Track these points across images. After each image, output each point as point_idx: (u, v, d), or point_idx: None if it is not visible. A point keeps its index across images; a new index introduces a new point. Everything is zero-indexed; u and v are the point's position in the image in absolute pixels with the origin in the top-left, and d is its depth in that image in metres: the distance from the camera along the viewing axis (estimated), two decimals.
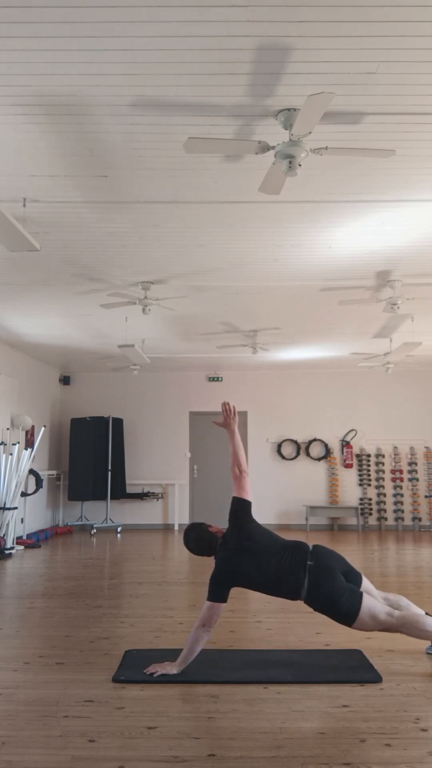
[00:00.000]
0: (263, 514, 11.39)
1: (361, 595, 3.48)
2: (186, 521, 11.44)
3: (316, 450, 11.54)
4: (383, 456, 11.45)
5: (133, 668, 3.56)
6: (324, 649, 3.98)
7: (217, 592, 3.50)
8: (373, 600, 3.52)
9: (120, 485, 10.86)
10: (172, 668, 3.47)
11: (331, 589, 3.46)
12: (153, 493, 11.34)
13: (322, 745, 2.63)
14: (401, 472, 11.37)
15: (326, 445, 11.49)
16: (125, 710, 3.01)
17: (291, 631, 4.41)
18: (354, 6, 2.47)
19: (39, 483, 9.39)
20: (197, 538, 3.70)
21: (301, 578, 3.48)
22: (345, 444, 11.45)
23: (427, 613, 3.67)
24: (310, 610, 4.94)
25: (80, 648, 4.01)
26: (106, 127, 3.36)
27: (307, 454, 11.49)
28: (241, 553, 3.55)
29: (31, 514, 10.07)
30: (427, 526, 11.18)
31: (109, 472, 10.63)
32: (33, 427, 10.23)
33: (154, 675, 3.42)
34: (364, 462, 11.41)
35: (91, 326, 8.06)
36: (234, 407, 3.92)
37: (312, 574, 3.49)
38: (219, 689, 3.29)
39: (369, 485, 11.41)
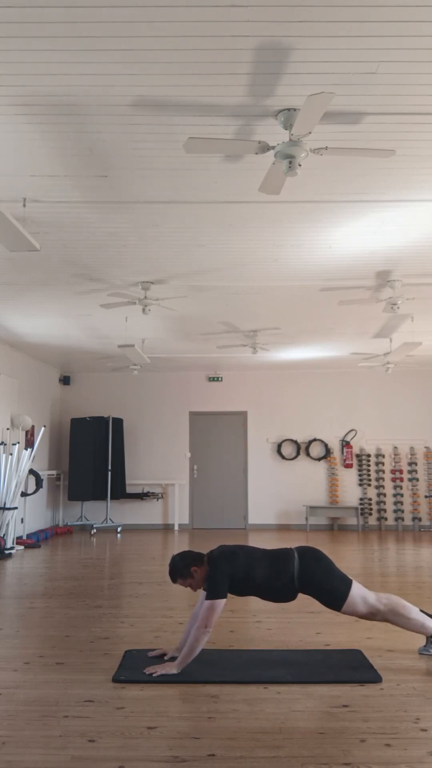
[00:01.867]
0: (263, 514, 11.39)
1: (351, 579, 3.66)
2: (186, 521, 11.45)
3: (316, 450, 11.54)
4: (383, 456, 11.45)
5: (133, 668, 3.56)
6: (324, 649, 3.97)
7: (217, 589, 3.51)
8: (361, 586, 3.69)
9: (120, 485, 10.86)
10: (171, 668, 3.47)
11: (322, 566, 3.63)
12: (153, 493, 11.34)
13: (322, 745, 2.63)
14: (401, 472, 11.37)
15: (326, 445, 11.49)
16: (125, 710, 3.01)
17: (291, 631, 4.41)
18: (354, 6, 2.47)
19: (39, 483, 9.39)
20: (187, 552, 3.71)
21: (291, 561, 3.63)
22: (345, 444, 11.45)
23: (427, 613, 3.68)
24: (310, 610, 4.94)
25: (80, 648, 4.01)
26: (106, 127, 3.36)
27: (307, 454, 11.48)
28: (235, 555, 3.63)
29: (31, 514, 10.07)
30: (427, 526, 11.18)
31: (109, 472, 10.63)
32: (33, 427, 10.23)
33: (154, 675, 3.43)
34: (364, 462, 11.41)
35: (91, 326, 8.06)
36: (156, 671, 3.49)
37: (300, 553, 3.67)
38: (219, 689, 3.28)
39: (369, 485, 11.41)
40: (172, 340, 8.90)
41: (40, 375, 10.75)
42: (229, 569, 3.56)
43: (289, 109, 3.17)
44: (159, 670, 3.46)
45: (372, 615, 3.62)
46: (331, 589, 3.58)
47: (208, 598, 3.50)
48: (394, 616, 3.60)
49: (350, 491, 11.43)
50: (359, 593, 3.60)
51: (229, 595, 3.62)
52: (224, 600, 3.52)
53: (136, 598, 5.49)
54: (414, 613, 3.62)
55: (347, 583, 3.61)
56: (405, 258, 5.42)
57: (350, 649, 3.94)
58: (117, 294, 6.29)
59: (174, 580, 3.67)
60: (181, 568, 3.63)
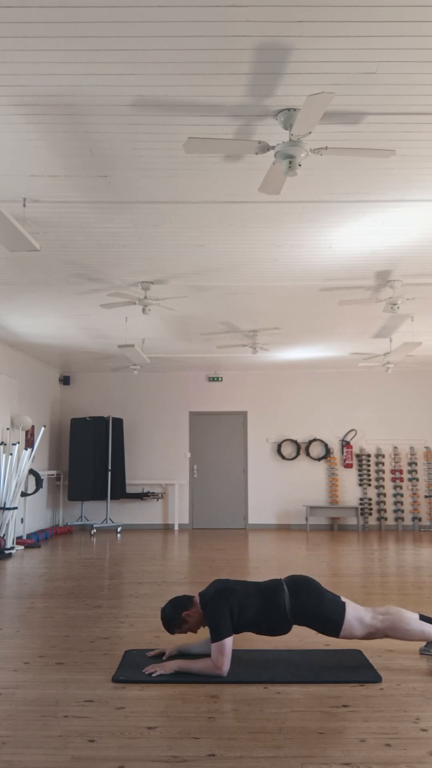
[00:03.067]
0: (263, 514, 11.39)
1: (344, 602, 3.59)
2: (186, 521, 11.45)
3: (316, 450, 11.54)
4: (383, 456, 11.45)
5: (133, 668, 3.56)
6: (324, 649, 3.97)
7: (220, 630, 3.45)
8: (355, 605, 3.63)
9: (120, 485, 10.86)
10: (171, 668, 3.47)
11: (313, 594, 3.57)
12: (153, 493, 11.34)
13: (322, 745, 2.63)
14: (401, 472, 11.37)
15: (326, 445, 11.49)
16: (125, 710, 3.01)
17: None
18: (354, 6, 2.47)
19: (39, 483, 9.39)
20: (174, 600, 3.70)
21: (282, 594, 3.58)
22: (345, 444, 11.45)
23: (424, 616, 3.67)
24: None
25: (80, 648, 4.01)
26: (106, 127, 3.36)
27: (307, 454, 11.48)
28: (232, 591, 3.58)
29: (31, 514, 10.07)
30: (427, 526, 11.18)
31: (109, 472, 10.63)
32: (33, 427, 10.23)
33: (153, 675, 3.42)
34: (364, 462, 11.41)
35: (91, 326, 8.06)
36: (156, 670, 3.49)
37: (289, 585, 3.63)
38: (219, 689, 3.28)
39: (369, 485, 11.41)
40: (172, 340, 8.90)
41: (40, 375, 10.75)
42: (228, 605, 3.51)
43: (289, 109, 3.18)
44: (158, 669, 3.46)
45: (371, 635, 3.55)
46: (326, 617, 3.51)
47: (214, 640, 3.45)
48: (393, 632, 3.53)
49: (350, 491, 11.43)
50: (354, 615, 3.54)
51: None
52: (230, 637, 3.46)
53: (136, 598, 5.49)
54: (413, 623, 3.54)
55: (341, 607, 3.54)
56: (405, 258, 5.43)
57: (350, 649, 3.94)
58: (117, 294, 6.29)
59: (171, 631, 3.68)
60: (173, 617, 3.64)
